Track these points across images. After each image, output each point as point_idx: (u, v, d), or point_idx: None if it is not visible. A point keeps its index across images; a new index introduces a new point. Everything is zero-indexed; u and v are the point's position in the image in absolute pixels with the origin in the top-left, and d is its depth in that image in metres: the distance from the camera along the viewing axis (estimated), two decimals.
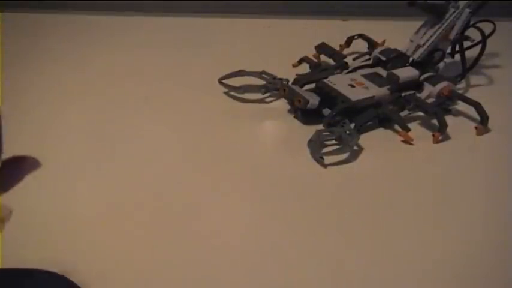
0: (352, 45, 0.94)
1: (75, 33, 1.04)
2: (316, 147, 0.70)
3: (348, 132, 0.72)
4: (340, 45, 0.93)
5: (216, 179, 0.67)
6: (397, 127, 0.77)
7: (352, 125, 0.74)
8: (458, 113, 0.82)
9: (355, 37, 0.94)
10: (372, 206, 0.64)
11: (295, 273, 0.55)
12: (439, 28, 0.84)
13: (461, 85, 0.90)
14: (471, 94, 0.86)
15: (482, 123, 0.77)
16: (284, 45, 0.93)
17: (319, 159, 0.69)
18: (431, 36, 0.84)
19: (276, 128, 0.79)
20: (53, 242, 0.57)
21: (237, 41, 1.03)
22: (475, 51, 0.88)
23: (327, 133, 0.72)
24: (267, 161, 0.71)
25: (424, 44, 0.84)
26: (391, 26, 1.05)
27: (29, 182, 0.65)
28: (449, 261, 0.57)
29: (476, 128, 0.77)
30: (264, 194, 0.65)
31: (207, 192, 0.65)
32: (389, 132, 0.78)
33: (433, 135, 0.75)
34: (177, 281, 0.54)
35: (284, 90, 0.79)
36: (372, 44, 0.92)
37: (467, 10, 0.84)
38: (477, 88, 0.90)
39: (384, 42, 0.92)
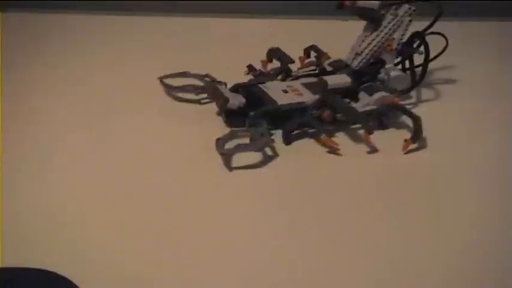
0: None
1: (76, 33, 1.04)
2: (222, 145, 0.68)
3: (261, 133, 0.70)
4: (300, 58, 0.89)
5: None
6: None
7: (268, 127, 0.72)
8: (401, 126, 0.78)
9: (310, 48, 0.89)
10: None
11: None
12: (377, 36, 0.80)
13: (464, 85, 0.89)
14: (470, 93, 0.86)
15: (413, 138, 0.72)
16: (284, 45, 0.93)
17: (222, 156, 0.68)
18: (368, 44, 0.80)
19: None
20: (53, 242, 0.57)
21: (237, 41, 1.03)
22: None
23: (242, 133, 0.70)
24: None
25: (361, 52, 0.80)
26: None
27: (29, 183, 0.65)
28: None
29: (405, 141, 0.72)
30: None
31: None
32: (389, 133, 0.77)
33: (363, 134, 0.72)
34: (177, 281, 0.54)
35: (209, 89, 0.77)
36: (320, 56, 0.87)
37: (407, 19, 0.80)
38: (477, 88, 0.89)
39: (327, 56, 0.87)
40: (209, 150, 0.69)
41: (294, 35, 1.04)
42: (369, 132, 0.72)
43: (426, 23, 0.82)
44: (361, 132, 0.73)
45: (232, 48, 0.99)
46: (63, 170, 0.68)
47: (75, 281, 0.51)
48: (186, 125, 0.77)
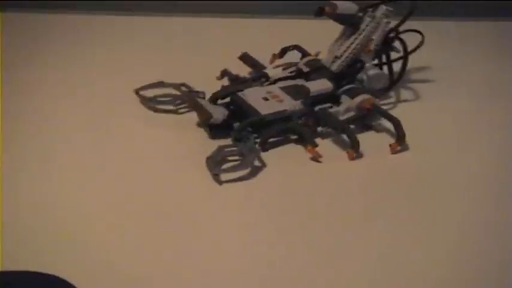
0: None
1: (76, 33, 1.04)
2: (213, 164, 0.67)
3: (249, 148, 0.69)
4: (274, 55, 0.89)
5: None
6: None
7: (255, 140, 0.71)
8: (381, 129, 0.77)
9: (290, 48, 0.90)
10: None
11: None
12: (356, 39, 0.79)
13: (461, 85, 0.89)
14: (467, 94, 0.85)
15: (399, 140, 0.72)
16: (284, 45, 0.93)
17: (214, 176, 0.66)
18: (347, 47, 0.80)
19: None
20: (53, 245, 0.57)
21: (237, 41, 1.02)
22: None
23: (230, 149, 0.69)
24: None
25: (341, 56, 0.80)
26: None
27: (28, 185, 0.65)
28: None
29: (390, 145, 0.72)
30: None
31: None
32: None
33: (347, 152, 0.71)
34: (176, 282, 0.54)
35: (190, 105, 0.76)
36: (305, 56, 0.86)
37: (384, 20, 0.79)
38: (473, 88, 0.88)
39: (317, 53, 0.86)
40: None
41: (294, 35, 1.04)
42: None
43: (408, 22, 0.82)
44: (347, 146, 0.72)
45: (232, 48, 0.99)
46: (62, 171, 0.68)
47: (75, 283, 0.51)
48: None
